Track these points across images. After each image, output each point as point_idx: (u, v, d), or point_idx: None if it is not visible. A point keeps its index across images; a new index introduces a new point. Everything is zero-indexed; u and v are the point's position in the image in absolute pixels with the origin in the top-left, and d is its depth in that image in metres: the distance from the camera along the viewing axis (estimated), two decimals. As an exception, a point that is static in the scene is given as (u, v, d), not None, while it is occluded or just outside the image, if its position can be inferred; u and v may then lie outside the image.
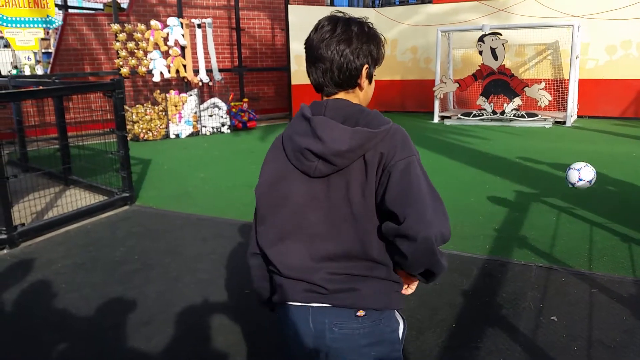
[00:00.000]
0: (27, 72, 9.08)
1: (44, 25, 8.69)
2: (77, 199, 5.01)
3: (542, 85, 9.77)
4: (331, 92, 1.36)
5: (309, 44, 1.34)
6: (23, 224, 4.38)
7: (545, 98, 9.67)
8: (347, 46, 1.29)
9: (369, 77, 1.38)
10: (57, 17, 9.21)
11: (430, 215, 1.18)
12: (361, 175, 1.26)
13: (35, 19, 8.51)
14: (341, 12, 1.35)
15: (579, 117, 10.50)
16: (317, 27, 1.33)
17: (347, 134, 1.23)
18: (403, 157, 1.24)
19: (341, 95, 1.36)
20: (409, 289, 1.42)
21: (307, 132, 1.28)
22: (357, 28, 1.31)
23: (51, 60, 10.02)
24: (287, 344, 1.40)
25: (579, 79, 10.22)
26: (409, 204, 1.19)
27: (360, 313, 1.30)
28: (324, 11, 12.04)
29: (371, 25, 1.36)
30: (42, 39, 10.72)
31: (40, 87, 6.19)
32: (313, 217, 1.31)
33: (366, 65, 1.33)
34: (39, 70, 9.37)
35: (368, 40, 1.32)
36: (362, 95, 1.39)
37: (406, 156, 1.25)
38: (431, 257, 1.21)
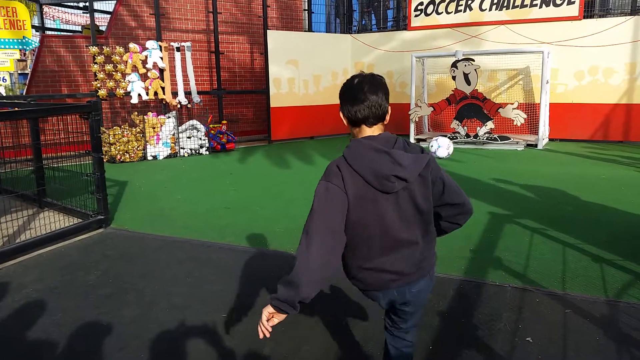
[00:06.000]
0: (3, 92, 8.96)
1: (20, 47, 8.63)
2: (51, 221, 4.92)
3: (516, 104, 10.02)
4: (373, 124, 1.86)
5: (353, 90, 1.85)
6: (-6, 248, 4.28)
7: (520, 116, 9.91)
8: (383, 92, 1.85)
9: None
10: (34, 38, 9.16)
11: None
12: (421, 185, 1.84)
13: (11, 40, 8.44)
14: (363, 72, 1.95)
15: (550, 140, 10.78)
16: (356, 79, 1.88)
17: (416, 160, 1.80)
18: (441, 169, 1.92)
19: (379, 125, 1.87)
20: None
21: (389, 162, 1.76)
22: (382, 80, 1.90)
23: (27, 81, 9.91)
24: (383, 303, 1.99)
25: (550, 103, 10.53)
26: (461, 194, 1.99)
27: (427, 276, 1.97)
28: (302, 36, 12.29)
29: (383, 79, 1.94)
30: (19, 60, 10.61)
31: (16, 109, 6.12)
32: (395, 222, 1.83)
33: (388, 106, 1.90)
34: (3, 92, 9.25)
35: (388, 90, 1.89)
36: (384, 125, 1.92)
37: (441, 169, 1.92)
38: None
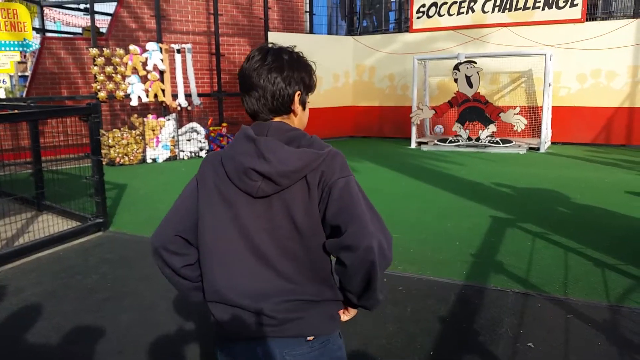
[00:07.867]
0: (3, 95, 8.96)
1: (21, 49, 8.62)
2: (50, 224, 4.89)
3: (517, 110, 10.00)
4: (266, 119, 1.38)
5: (241, 74, 1.38)
6: (-8, 251, 4.26)
7: (521, 122, 9.89)
8: (278, 74, 1.34)
9: (302, 104, 1.41)
10: (35, 40, 9.15)
11: (372, 228, 1.22)
12: (303, 194, 1.28)
13: (11, 42, 8.44)
14: (272, 43, 1.42)
15: (552, 143, 10.74)
16: (249, 58, 1.37)
17: (294, 154, 1.27)
18: (342, 176, 1.29)
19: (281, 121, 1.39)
20: (345, 315, 1.41)
21: (252, 152, 1.28)
22: (287, 57, 1.37)
23: (27, 83, 9.90)
24: None
25: (552, 106, 10.50)
26: (350, 217, 1.23)
27: (310, 338, 1.31)
28: (304, 38, 12.27)
29: (301, 54, 1.43)
30: (19, 63, 10.61)
31: (15, 111, 6.10)
32: (258, 238, 1.32)
33: (298, 92, 1.38)
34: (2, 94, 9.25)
35: (299, 68, 1.38)
36: (297, 121, 1.42)
37: (345, 175, 1.29)
38: (371, 267, 1.21)
